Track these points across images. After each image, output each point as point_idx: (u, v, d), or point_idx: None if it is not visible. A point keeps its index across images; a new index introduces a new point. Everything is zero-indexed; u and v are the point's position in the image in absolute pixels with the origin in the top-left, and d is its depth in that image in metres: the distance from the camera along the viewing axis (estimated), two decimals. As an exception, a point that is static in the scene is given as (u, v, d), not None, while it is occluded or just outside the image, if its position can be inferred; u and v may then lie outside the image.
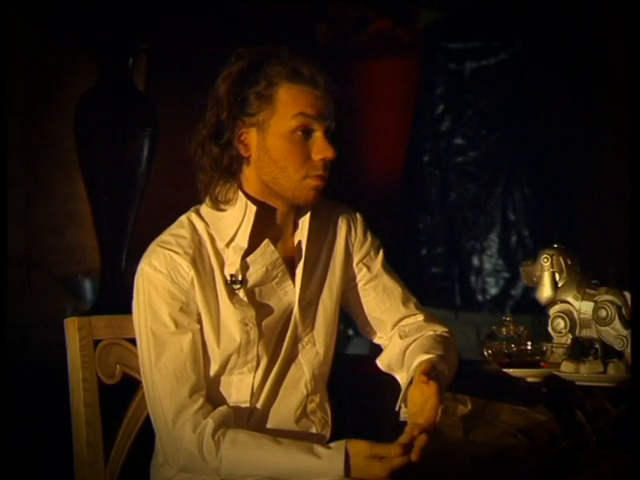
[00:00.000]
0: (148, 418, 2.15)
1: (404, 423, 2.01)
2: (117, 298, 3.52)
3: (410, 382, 2.04)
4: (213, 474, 2.01)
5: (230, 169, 2.08)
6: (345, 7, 5.15)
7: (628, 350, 2.27)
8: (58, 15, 3.94)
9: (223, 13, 4.57)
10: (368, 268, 2.22)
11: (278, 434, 2.03)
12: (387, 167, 5.34)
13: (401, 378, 2.17)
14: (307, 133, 2.05)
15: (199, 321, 2.06)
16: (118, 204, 3.61)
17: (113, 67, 3.66)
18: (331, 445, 1.97)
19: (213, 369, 2.07)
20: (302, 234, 2.13)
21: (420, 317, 2.23)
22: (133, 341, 2.17)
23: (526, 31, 5.03)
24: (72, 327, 2.16)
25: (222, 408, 2.04)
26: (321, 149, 2.05)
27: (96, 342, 2.18)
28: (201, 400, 2.02)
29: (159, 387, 2.03)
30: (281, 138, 2.05)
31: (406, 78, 5.32)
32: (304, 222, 2.13)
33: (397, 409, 2.05)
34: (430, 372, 2.00)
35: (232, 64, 2.07)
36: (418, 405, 1.99)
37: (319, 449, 1.97)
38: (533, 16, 4.96)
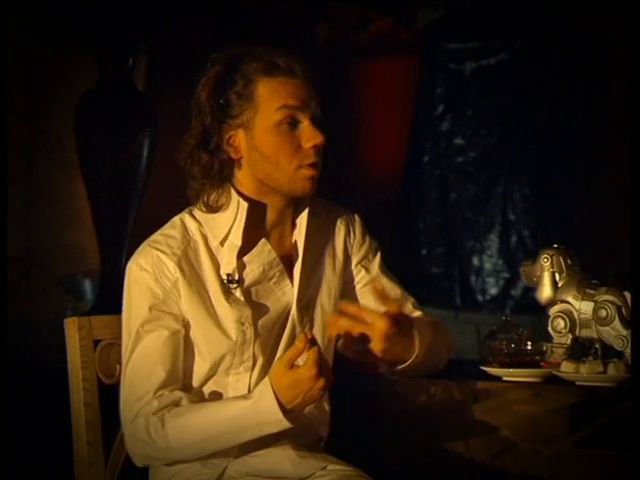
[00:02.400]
0: (148, 418, 2.15)
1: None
2: (117, 298, 3.50)
3: None
4: (167, 455, 2.01)
5: (222, 174, 2.09)
6: (345, 7, 5.14)
7: (628, 350, 2.27)
8: (58, 15, 3.94)
9: (223, 13, 4.57)
10: (366, 270, 2.23)
11: (276, 434, 2.03)
12: (387, 167, 5.34)
13: None
14: (293, 124, 2.06)
15: (184, 323, 2.05)
16: (118, 204, 3.61)
17: (113, 67, 3.66)
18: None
19: (206, 369, 2.08)
20: (300, 233, 2.13)
21: (416, 313, 2.25)
22: (133, 341, 2.17)
23: (526, 31, 5.03)
24: (72, 327, 2.16)
25: (175, 392, 2.03)
26: (310, 137, 2.06)
27: (96, 342, 2.18)
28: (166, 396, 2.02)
29: (128, 381, 2.04)
30: (268, 133, 2.05)
31: (406, 78, 5.31)
32: (302, 221, 2.13)
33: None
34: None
35: (208, 70, 2.08)
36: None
37: (251, 394, 1.97)
38: (533, 16, 4.96)
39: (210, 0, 4.53)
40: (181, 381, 2.05)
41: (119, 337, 2.19)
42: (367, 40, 5.17)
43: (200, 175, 2.09)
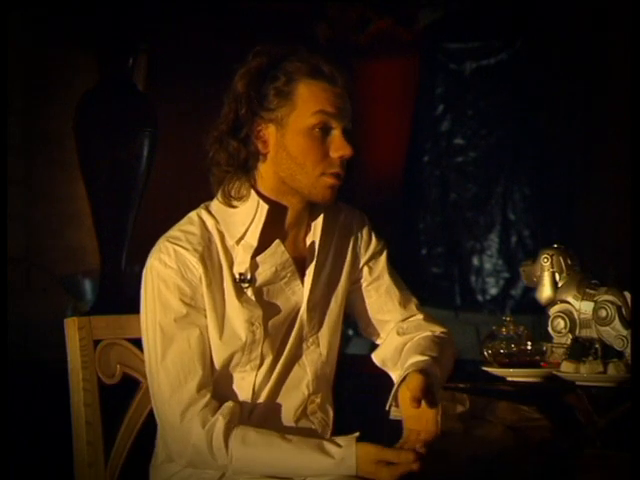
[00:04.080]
0: (148, 418, 2.15)
1: (402, 422, 2.01)
2: (117, 298, 3.52)
3: (402, 381, 2.03)
4: (220, 469, 2.01)
5: (246, 165, 2.07)
6: (345, 7, 5.14)
7: (628, 350, 2.27)
8: (58, 15, 3.94)
9: (223, 13, 4.57)
10: (371, 270, 2.22)
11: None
12: (387, 167, 5.34)
13: (395, 376, 2.17)
14: (326, 130, 2.05)
15: (205, 317, 2.05)
16: (118, 204, 3.62)
17: (113, 67, 3.66)
18: (340, 443, 1.96)
19: (215, 366, 2.07)
20: (315, 235, 2.12)
21: (420, 316, 2.23)
22: (133, 341, 2.17)
23: (526, 31, 5.03)
24: (72, 327, 2.16)
25: (229, 404, 2.02)
26: (339, 147, 2.05)
27: (96, 342, 2.18)
28: (208, 395, 2.01)
29: (165, 382, 2.01)
30: (300, 134, 2.04)
31: (406, 78, 5.32)
32: (317, 223, 2.13)
33: (387, 408, 2.04)
34: (420, 392, 1.98)
35: (250, 61, 2.07)
36: (410, 411, 1.99)
37: (330, 448, 1.96)
38: (533, 16, 4.96)
39: (210, 0, 4.54)
40: (212, 377, 2.05)
41: (119, 337, 2.18)
42: (367, 40, 5.18)
43: (225, 162, 2.07)
